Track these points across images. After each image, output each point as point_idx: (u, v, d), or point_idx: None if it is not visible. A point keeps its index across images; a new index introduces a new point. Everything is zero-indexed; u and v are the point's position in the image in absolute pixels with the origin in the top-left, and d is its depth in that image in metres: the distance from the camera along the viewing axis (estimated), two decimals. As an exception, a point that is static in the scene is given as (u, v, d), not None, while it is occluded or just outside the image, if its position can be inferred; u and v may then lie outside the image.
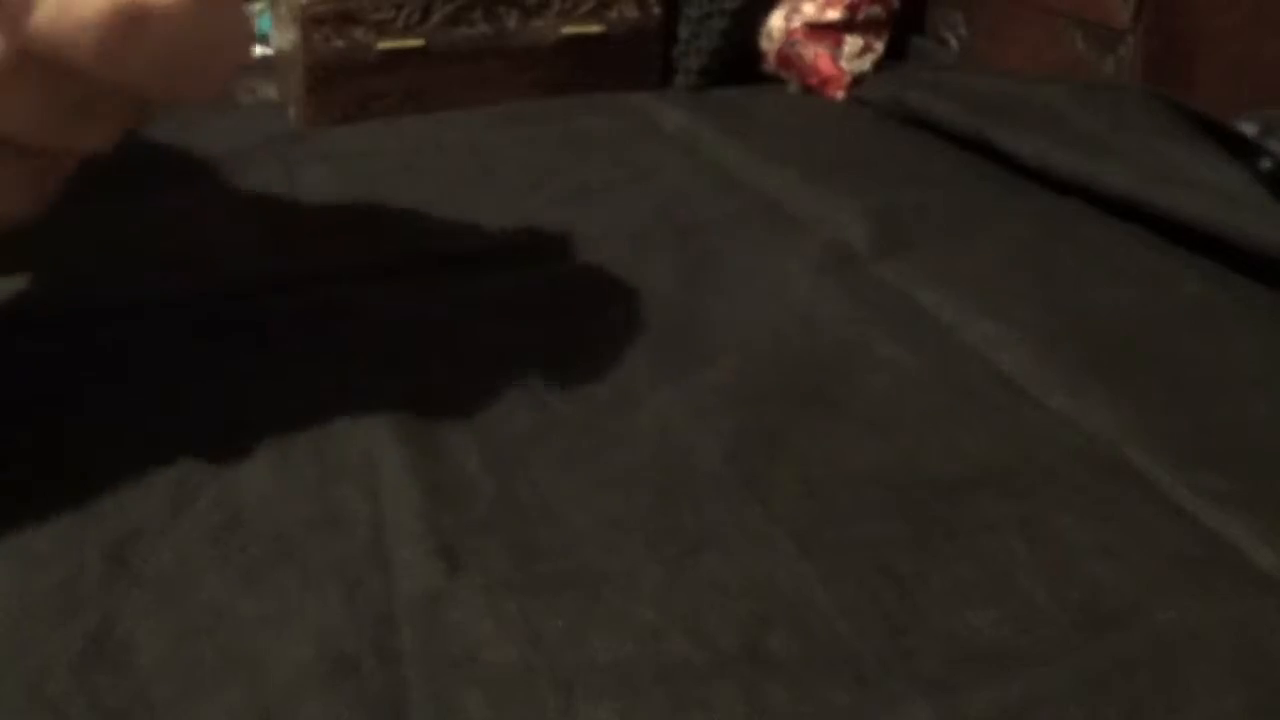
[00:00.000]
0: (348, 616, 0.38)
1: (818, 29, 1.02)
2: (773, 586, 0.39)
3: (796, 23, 1.03)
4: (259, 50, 1.03)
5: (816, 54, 1.02)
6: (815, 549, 0.41)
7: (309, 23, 0.85)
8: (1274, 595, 0.39)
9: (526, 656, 0.36)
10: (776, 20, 1.05)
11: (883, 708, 0.34)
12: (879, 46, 1.04)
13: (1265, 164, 0.69)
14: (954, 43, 1.07)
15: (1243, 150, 0.70)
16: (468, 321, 0.57)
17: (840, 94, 1.01)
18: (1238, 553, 0.41)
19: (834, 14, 1.02)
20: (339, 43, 0.87)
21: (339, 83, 0.87)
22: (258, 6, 1.05)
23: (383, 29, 0.88)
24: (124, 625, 0.37)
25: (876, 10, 1.04)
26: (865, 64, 1.03)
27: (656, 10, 0.99)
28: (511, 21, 0.92)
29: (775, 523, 0.42)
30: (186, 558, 0.40)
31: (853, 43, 1.03)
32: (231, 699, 0.34)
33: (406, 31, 0.89)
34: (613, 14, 0.96)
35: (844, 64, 1.02)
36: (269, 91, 0.97)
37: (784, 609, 0.38)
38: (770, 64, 1.06)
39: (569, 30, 0.94)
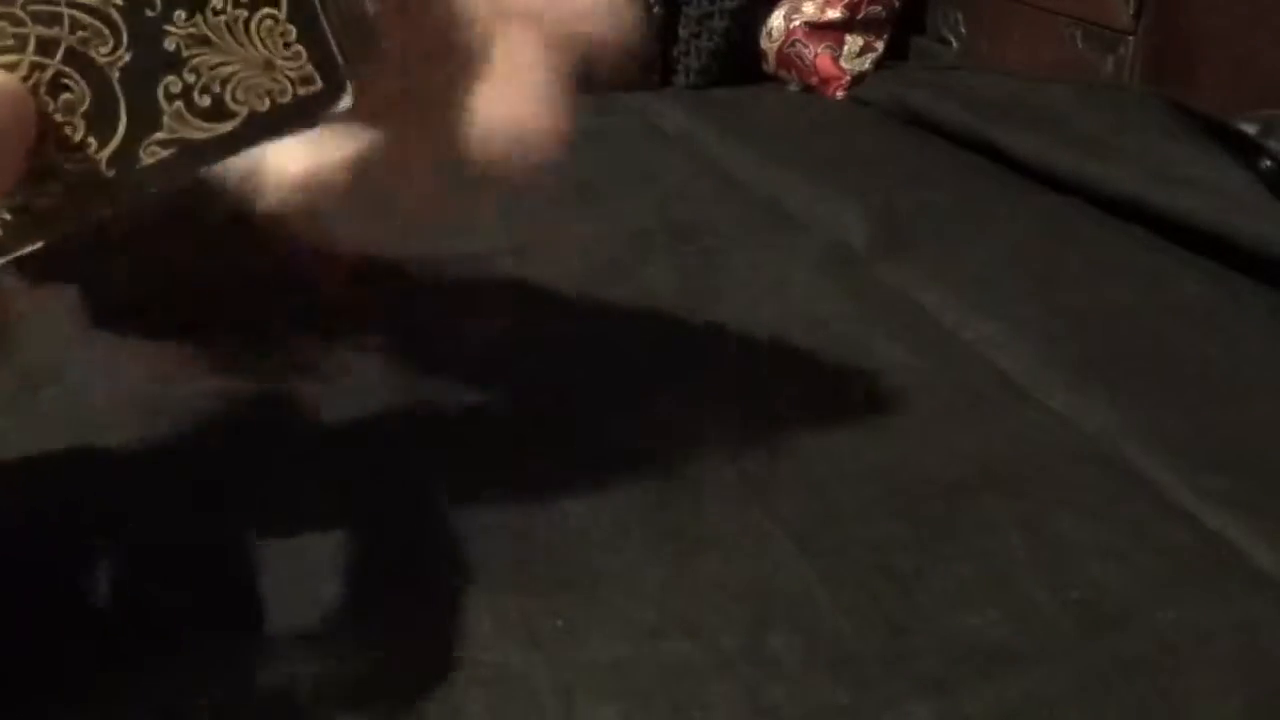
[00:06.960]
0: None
1: (818, 28, 1.02)
2: (773, 586, 0.39)
3: (797, 22, 1.03)
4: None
5: (817, 53, 1.02)
6: (815, 549, 0.41)
7: None
8: (1275, 595, 0.39)
9: (526, 656, 0.36)
10: (777, 20, 1.05)
11: (883, 708, 0.34)
12: (879, 46, 1.04)
13: (1265, 164, 0.69)
14: (954, 42, 1.07)
15: (1243, 150, 0.70)
16: (466, 320, 0.57)
17: (840, 94, 1.01)
18: (1238, 553, 0.41)
19: (834, 13, 1.02)
20: None
21: None
22: None
23: None
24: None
25: (877, 10, 1.04)
26: (866, 63, 1.03)
27: (657, 10, 0.99)
28: None
29: (775, 523, 0.42)
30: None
31: (853, 42, 1.03)
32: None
33: None
34: None
35: (844, 63, 1.02)
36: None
37: (784, 609, 0.38)
38: (770, 64, 1.06)
39: None
